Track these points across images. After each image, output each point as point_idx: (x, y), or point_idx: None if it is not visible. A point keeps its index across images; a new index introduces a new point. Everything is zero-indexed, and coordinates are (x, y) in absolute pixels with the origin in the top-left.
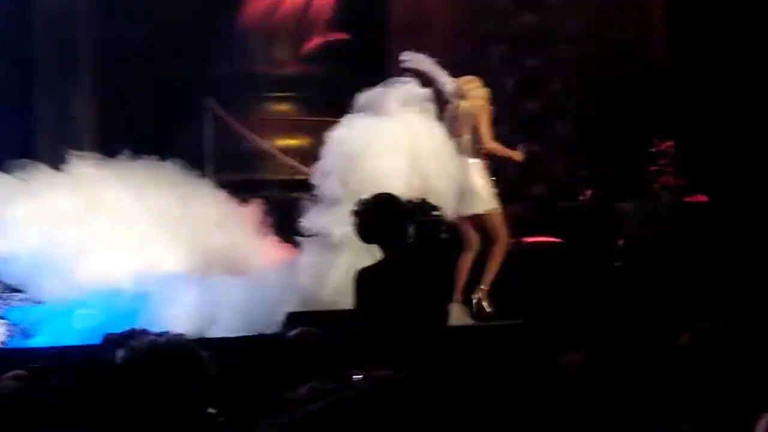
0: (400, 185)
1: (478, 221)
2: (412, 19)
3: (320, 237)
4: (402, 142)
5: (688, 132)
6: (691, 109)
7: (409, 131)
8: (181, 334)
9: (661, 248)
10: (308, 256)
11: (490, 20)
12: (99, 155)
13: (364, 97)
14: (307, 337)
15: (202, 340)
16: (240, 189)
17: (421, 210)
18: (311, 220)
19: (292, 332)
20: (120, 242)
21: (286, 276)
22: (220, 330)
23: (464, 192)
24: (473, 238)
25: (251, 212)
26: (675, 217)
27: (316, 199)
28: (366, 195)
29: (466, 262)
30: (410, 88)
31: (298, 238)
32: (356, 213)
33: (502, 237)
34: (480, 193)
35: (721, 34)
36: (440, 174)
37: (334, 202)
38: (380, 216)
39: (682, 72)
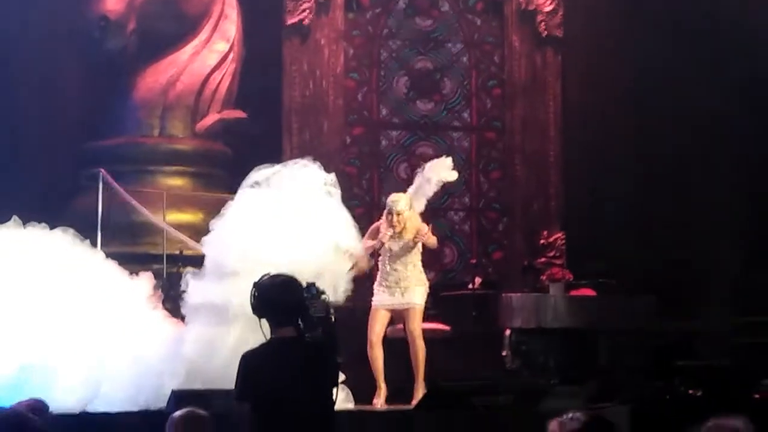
0: (286, 261)
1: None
2: (307, 102)
3: (208, 309)
4: (292, 218)
5: (577, 225)
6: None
7: (300, 209)
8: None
9: (547, 340)
10: (196, 329)
11: (386, 106)
12: None
13: (261, 173)
14: (192, 419)
15: (83, 415)
16: (129, 261)
17: (308, 293)
18: (200, 291)
19: (178, 413)
20: (5, 311)
21: (172, 350)
22: (104, 403)
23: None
24: (379, 328)
25: (140, 285)
26: (562, 309)
27: (205, 271)
28: (264, 271)
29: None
30: (307, 168)
31: (185, 311)
32: (256, 286)
33: (410, 332)
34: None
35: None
36: (331, 256)
37: (222, 274)
38: (277, 295)
39: (575, 164)
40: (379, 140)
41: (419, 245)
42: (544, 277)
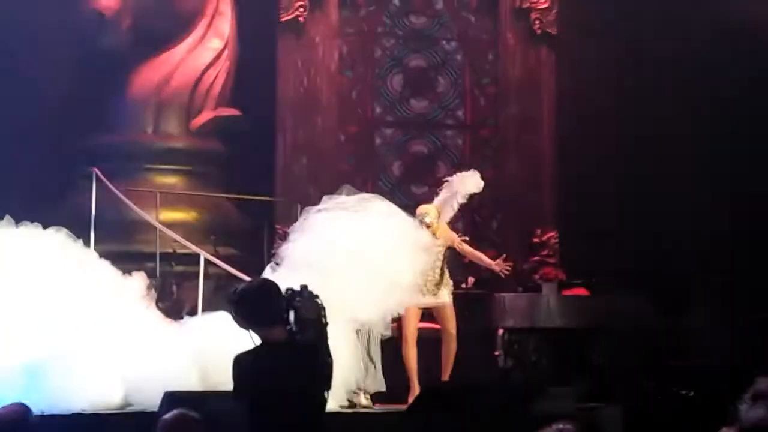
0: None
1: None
2: (302, 99)
3: None
4: (367, 228)
5: (571, 224)
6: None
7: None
8: None
9: (540, 340)
10: None
11: (380, 104)
12: None
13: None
14: (183, 421)
15: (73, 416)
16: (123, 260)
17: (300, 296)
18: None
19: (168, 414)
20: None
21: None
22: (94, 405)
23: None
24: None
25: (134, 284)
26: (555, 309)
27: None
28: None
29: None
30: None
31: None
32: (232, 299)
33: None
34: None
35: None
36: (406, 267)
37: (310, 269)
38: (254, 301)
39: (569, 162)
40: (374, 138)
41: (446, 254)
42: (537, 276)
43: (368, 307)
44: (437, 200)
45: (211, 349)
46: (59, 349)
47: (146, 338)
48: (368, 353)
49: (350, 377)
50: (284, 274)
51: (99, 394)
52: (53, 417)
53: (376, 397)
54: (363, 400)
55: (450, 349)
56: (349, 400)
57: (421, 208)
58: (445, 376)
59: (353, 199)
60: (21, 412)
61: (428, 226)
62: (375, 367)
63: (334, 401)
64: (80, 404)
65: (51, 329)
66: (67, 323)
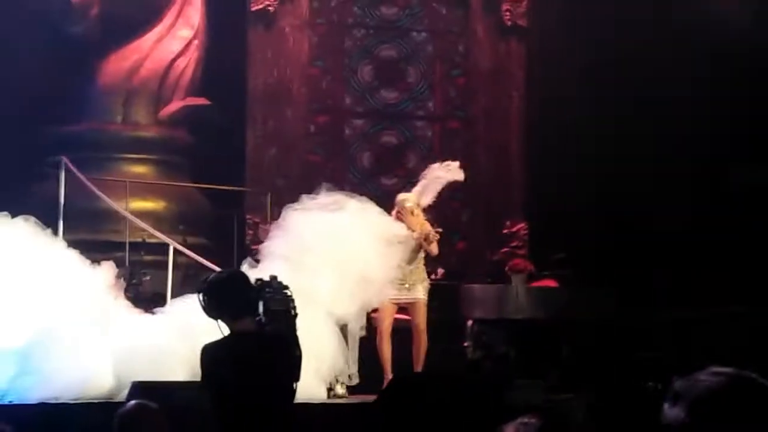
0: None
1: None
2: (272, 89)
3: None
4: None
5: (540, 215)
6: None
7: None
8: None
9: (508, 331)
10: None
11: (350, 95)
12: None
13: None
14: (141, 411)
15: (42, 405)
16: (92, 249)
17: (269, 288)
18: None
19: (126, 405)
20: None
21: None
22: (63, 394)
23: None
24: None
25: (102, 273)
26: (523, 300)
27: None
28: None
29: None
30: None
31: None
32: (202, 289)
33: (416, 326)
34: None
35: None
36: (380, 264)
37: (286, 260)
38: (224, 292)
39: (539, 156)
40: (343, 129)
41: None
42: (506, 268)
43: (344, 302)
44: (416, 189)
45: (180, 337)
46: (26, 339)
47: (113, 328)
48: (346, 346)
49: (331, 366)
50: (262, 270)
51: (65, 385)
52: (20, 405)
53: (351, 389)
54: (339, 389)
55: (420, 343)
56: (328, 389)
57: (402, 195)
58: (417, 369)
59: (330, 199)
60: None
61: (411, 213)
62: (352, 360)
63: (316, 389)
64: (46, 394)
65: (15, 318)
66: (32, 312)
